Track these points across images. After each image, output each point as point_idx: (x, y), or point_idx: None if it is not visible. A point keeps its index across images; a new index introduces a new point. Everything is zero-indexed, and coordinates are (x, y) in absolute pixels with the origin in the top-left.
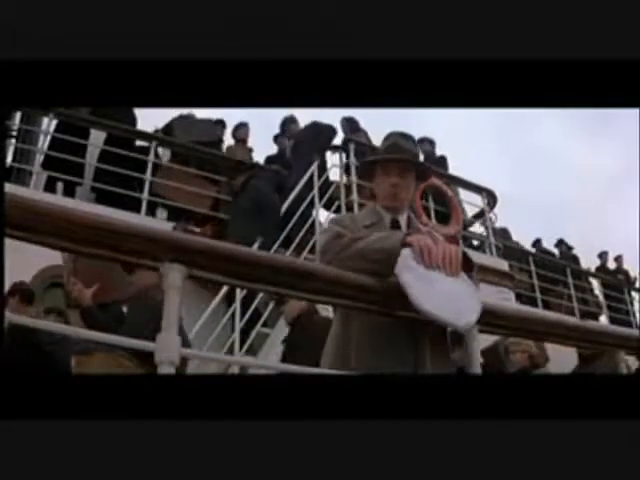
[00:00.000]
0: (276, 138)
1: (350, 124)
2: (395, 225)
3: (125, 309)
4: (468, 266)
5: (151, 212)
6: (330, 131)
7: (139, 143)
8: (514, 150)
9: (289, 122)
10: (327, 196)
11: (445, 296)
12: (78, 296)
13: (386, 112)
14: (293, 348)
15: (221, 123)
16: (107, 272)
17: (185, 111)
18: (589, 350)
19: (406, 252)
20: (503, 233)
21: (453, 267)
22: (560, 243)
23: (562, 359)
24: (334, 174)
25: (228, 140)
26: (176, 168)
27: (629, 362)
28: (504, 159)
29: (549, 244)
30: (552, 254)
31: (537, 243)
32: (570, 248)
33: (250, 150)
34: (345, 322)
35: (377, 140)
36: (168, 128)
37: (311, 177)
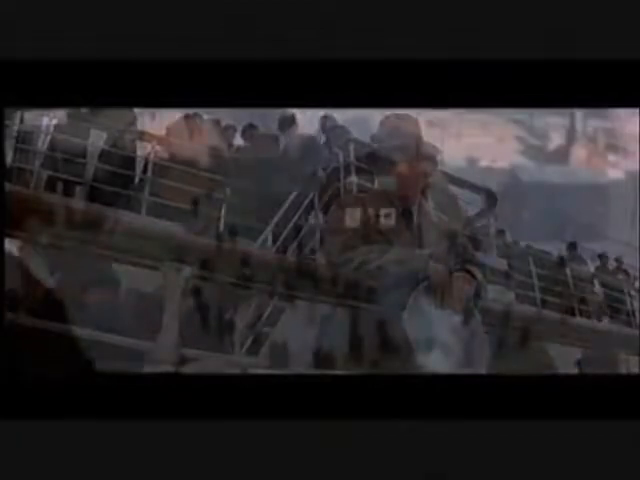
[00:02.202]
0: None
1: (327, 121)
2: (407, 217)
3: None
4: (477, 291)
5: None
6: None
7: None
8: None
9: (289, 120)
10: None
11: (449, 343)
12: None
13: (385, 112)
14: None
15: (232, 128)
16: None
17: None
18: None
19: (420, 290)
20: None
21: (462, 305)
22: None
23: None
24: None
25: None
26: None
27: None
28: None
29: (549, 244)
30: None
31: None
32: (574, 244)
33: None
34: None
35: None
36: None
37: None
